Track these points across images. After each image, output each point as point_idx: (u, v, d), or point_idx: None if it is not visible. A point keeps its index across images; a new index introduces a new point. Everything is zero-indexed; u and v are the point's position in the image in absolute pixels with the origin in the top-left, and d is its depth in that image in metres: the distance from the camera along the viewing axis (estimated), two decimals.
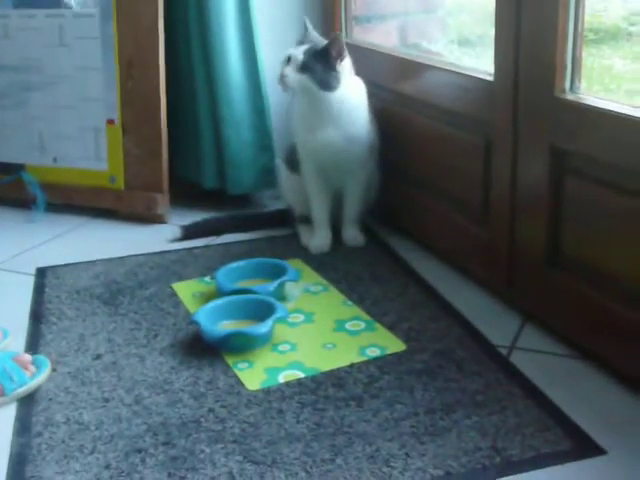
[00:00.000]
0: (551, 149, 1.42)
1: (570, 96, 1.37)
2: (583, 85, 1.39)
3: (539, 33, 1.40)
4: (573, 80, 1.37)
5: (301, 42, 1.83)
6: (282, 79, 1.79)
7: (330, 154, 1.86)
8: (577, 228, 1.41)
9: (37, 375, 1.41)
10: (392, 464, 1.16)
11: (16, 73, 2.31)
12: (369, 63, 1.94)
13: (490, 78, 1.57)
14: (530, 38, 1.42)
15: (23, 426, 1.29)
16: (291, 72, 1.78)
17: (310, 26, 1.85)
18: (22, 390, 1.38)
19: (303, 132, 1.89)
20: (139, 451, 1.21)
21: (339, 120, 1.83)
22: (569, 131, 1.37)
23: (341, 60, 1.79)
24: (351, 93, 1.85)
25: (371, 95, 1.90)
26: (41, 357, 1.46)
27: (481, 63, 1.72)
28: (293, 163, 1.97)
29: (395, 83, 1.94)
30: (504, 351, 1.48)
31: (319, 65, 1.77)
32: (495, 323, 1.58)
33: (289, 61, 1.79)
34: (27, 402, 1.36)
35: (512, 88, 1.48)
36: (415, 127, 1.88)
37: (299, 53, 1.78)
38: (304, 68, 1.77)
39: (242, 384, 1.38)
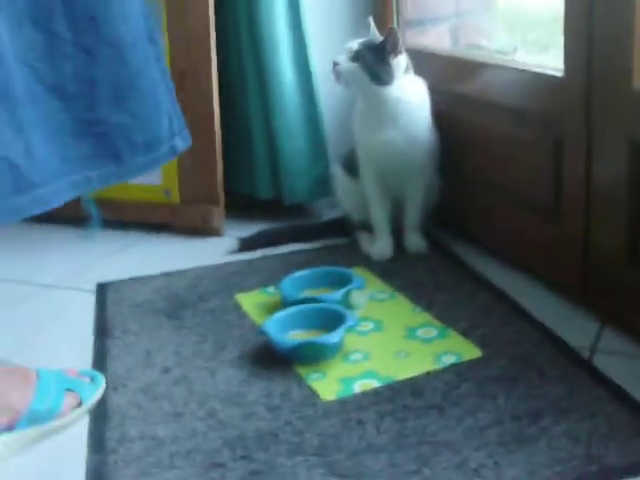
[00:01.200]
0: (630, 143, 1.37)
1: None
2: None
3: (614, 25, 1.35)
4: None
5: (363, 38, 1.81)
6: (334, 67, 1.77)
7: (390, 156, 1.82)
8: None
9: (98, 383, 1.39)
10: (483, 474, 1.11)
11: None
12: (425, 66, 1.90)
13: (559, 74, 1.52)
14: (603, 30, 1.38)
15: (97, 442, 1.26)
16: (343, 60, 1.77)
17: (373, 25, 1.83)
18: (95, 397, 1.36)
19: (363, 133, 1.86)
20: (218, 466, 1.18)
21: (399, 120, 1.80)
22: None
23: (395, 55, 1.76)
24: (410, 93, 1.81)
25: (430, 98, 1.86)
26: (88, 370, 1.45)
27: (545, 60, 1.68)
28: (352, 168, 1.94)
29: (455, 84, 1.90)
30: (586, 354, 1.42)
31: (372, 56, 1.75)
32: (572, 326, 1.52)
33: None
34: (100, 418, 1.33)
35: (584, 83, 1.44)
36: (477, 128, 1.84)
37: (355, 44, 1.78)
38: (356, 57, 1.76)
39: (317, 395, 1.35)
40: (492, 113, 1.77)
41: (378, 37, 1.82)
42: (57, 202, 1.25)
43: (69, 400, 1.33)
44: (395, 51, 1.76)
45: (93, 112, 1.28)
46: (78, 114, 1.26)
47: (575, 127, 1.49)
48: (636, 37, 1.31)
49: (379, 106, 1.80)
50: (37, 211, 1.21)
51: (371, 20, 1.85)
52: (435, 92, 1.87)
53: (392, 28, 1.76)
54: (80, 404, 1.34)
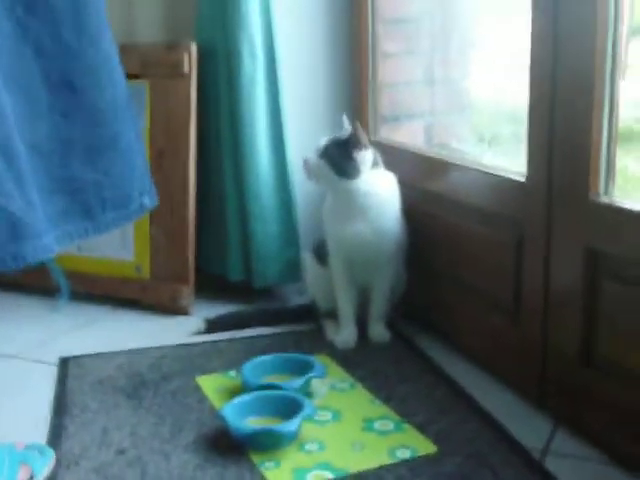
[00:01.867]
0: (585, 250, 1.41)
1: (605, 199, 1.37)
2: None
3: (573, 135, 1.41)
4: (607, 183, 1.38)
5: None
6: (304, 164, 1.84)
7: (358, 247, 1.86)
8: (612, 329, 1.39)
9: (48, 456, 1.39)
10: None
11: None
12: (397, 161, 1.95)
13: (522, 179, 1.58)
14: (564, 140, 1.44)
15: None
16: (312, 157, 1.84)
17: (346, 121, 1.89)
18: (47, 468, 1.36)
19: (332, 224, 1.90)
20: None
21: (367, 213, 1.84)
22: (604, 233, 1.37)
23: (359, 149, 1.82)
24: (378, 186, 1.86)
25: (401, 193, 1.92)
26: (36, 443, 1.44)
27: (513, 164, 1.74)
28: (322, 256, 1.97)
29: (424, 181, 1.95)
30: (537, 455, 1.44)
31: (337, 151, 1.82)
32: (526, 425, 1.54)
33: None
34: None
35: (545, 189, 1.49)
36: (444, 225, 1.89)
37: (323, 140, 1.84)
38: (323, 154, 1.82)
39: None
40: (459, 212, 1.82)
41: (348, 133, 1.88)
42: (50, 253, 1.27)
43: (23, 473, 1.33)
44: (359, 146, 1.82)
45: (67, 169, 1.32)
46: (52, 171, 1.30)
47: (535, 231, 1.54)
48: (592, 150, 1.36)
49: (347, 199, 1.85)
50: (33, 259, 1.23)
51: (345, 117, 1.91)
52: (406, 187, 1.93)
53: (355, 123, 1.83)
54: (32, 478, 1.34)
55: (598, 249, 1.39)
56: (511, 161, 1.81)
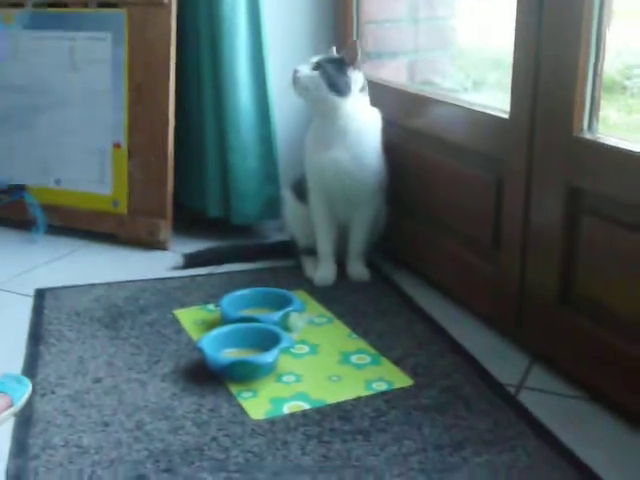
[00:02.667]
0: (567, 188, 1.41)
1: (588, 135, 1.37)
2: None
3: (558, 72, 1.40)
4: (591, 120, 1.37)
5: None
6: (295, 74, 1.81)
7: (338, 176, 1.85)
8: (591, 267, 1.40)
9: (25, 385, 1.39)
10: None
11: (23, 94, 2.29)
12: (379, 98, 1.93)
13: (505, 116, 1.57)
14: (549, 76, 1.42)
15: (20, 447, 1.25)
16: (304, 69, 1.81)
17: (334, 50, 1.88)
18: (26, 397, 1.36)
19: (313, 151, 1.89)
20: (140, 477, 1.18)
21: (349, 139, 1.83)
22: (586, 170, 1.36)
23: (353, 67, 1.81)
24: (362, 112, 1.86)
25: (383, 129, 1.90)
26: (9, 373, 1.44)
27: (494, 101, 1.72)
28: (301, 192, 1.96)
29: (406, 118, 1.94)
30: (512, 390, 1.45)
31: (331, 66, 1.80)
32: (503, 362, 1.55)
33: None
34: (24, 423, 1.32)
35: (528, 126, 1.48)
36: (425, 163, 1.88)
37: (317, 57, 1.84)
38: (317, 67, 1.81)
39: (246, 413, 1.35)
40: (440, 149, 1.81)
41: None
42: None
43: (2, 402, 1.33)
44: (354, 63, 1.81)
45: None
46: None
47: (516, 168, 1.53)
48: (578, 85, 1.35)
49: (331, 120, 1.83)
50: None
51: (334, 49, 1.89)
52: (387, 124, 1.91)
53: (354, 41, 1.81)
54: (11, 405, 1.34)
55: (580, 187, 1.39)
56: (494, 100, 1.79)
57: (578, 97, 1.36)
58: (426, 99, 1.88)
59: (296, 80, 1.81)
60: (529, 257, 1.54)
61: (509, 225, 1.59)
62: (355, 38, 1.84)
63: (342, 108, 1.81)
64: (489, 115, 1.63)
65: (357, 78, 1.83)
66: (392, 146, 1.92)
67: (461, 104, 1.75)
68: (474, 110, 1.68)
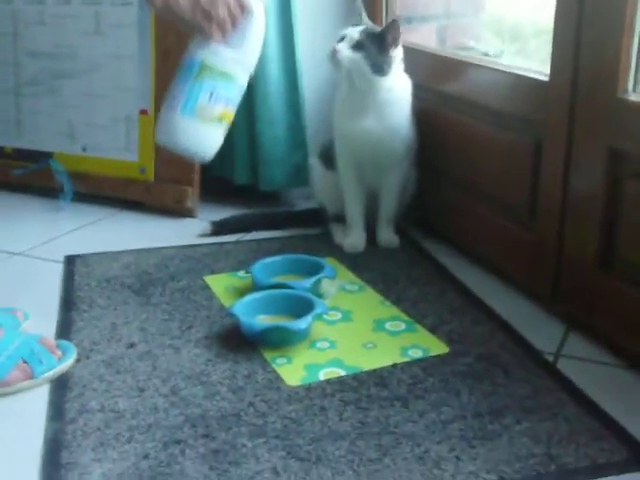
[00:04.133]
0: (609, 151, 1.37)
1: (634, 97, 1.33)
2: None
3: (602, 30, 1.36)
4: (637, 80, 1.33)
5: (356, 25, 1.81)
6: (334, 55, 1.74)
7: (368, 145, 1.82)
8: (633, 231, 1.36)
9: (65, 359, 1.37)
10: (443, 467, 1.11)
11: (50, 60, 2.27)
12: (412, 63, 1.90)
13: (544, 78, 1.53)
14: (592, 36, 1.38)
15: (57, 412, 1.25)
16: (345, 49, 1.74)
17: (365, 15, 1.83)
18: (51, 374, 1.34)
19: (343, 120, 1.85)
20: (178, 442, 1.17)
21: (381, 110, 1.80)
22: (630, 133, 1.33)
23: (395, 46, 1.77)
24: (399, 85, 1.82)
25: (413, 95, 1.87)
26: (65, 342, 1.43)
27: (532, 64, 1.68)
28: (330, 159, 1.93)
29: (438, 83, 1.90)
30: (550, 358, 1.43)
31: (374, 47, 1.74)
32: (539, 329, 1.53)
33: (343, 40, 1.75)
34: (60, 388, 1.31)
35: (570, 88, 1.44)
36: (458, 128, 1.84)
37: (355, 32, 1.76)
38: (359, 47, 1.74)
39: (281, 379, 1.34)
40: (475, 114, 1.77)
41: (372, 26, 1.82)
42: None
43: (18, 372, 1.31)
44: (396, 43, 1.77)
45: None
46: None
47: (556, 132, 1.50)
48: (623, 44, 1.31)
49: (368, 95, 1.79)
50: None
51: (363, 10, 1.85)
52: (419, 89, 1.88)
53: (394, 20, 1.76)
54: (30, 377, 1.32)
55: (623, 149, 1.35)
56: (532, 63, 1.76)
57: (624, 56, 1.32)
58: (460, 63, 1.84)
59: (336, 61, 1.74)
60: (568, 222, 1.51)
61: (547, 190, 1.56)
62: (394, 19, 1.77)
63: (382, 85, 1.78)
64: (528, 78, 1.59)
65: (398, 56, 1.79)
66: (424, 111, 1.89)
67: (496, 67, 1.71)
68: (511, 73, 1.64)
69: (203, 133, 1.40)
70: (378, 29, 1.79)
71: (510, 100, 1.64)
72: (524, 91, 1.60)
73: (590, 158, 1.42)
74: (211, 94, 1.38)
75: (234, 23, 1.39)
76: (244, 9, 1.39)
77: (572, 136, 1.46)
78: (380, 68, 1.75)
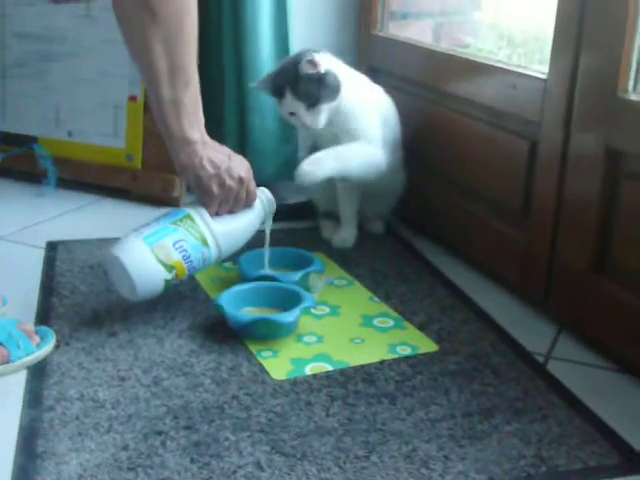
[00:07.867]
0: (607, 151, 1.35)
1: (634, 96, 1.31)
2: None
3: (604, 27, 1.33)
4: (637, 79, 1.31)
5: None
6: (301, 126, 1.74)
7: None
8: (629, 234, 1.34)
9: (43, 345, 1.33)
10: (431, 466, 1.09)
11: (37, 42, 2.23)
12: (406, 58, 1.87)
13: (542, 76, 1.51)
14: (593, 34, 1.36)
15: (34, 399, 1.21)
16: (306, 115, 1.71)
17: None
18: (29, 359, 1.30)
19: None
20: (159, 433, 1.13)
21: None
22: (630, 133, 1.31)
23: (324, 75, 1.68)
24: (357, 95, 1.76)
25: (404, 91, 1.84)
26: (44, 328, 1.39)
27: (529, 62, 1.66)
28: None
29: (431, 79, 1.87)
30: (540, 359, 1.41)
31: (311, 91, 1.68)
32: (530, 330, 1.51)
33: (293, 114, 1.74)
34: (38, 374, 1.27)
35: (568, 87, 1.42)
36: (451, 125, 1.82)
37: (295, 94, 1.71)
38: (307, 98, 1.69)
39: (267, 373, 1.31)
40: (468, 111, 1.74)
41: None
42: None
43: None
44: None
45: None
46: None
47: (552, 132, 1.47)
48: (625, 43, 1.29)
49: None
50: None
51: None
52: (413, 85, 1.85)
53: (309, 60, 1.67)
54: (7, 362, 1.28)
55: (621, 149, 1.33)
56: (529, 61, 1.73)
57: (625, 55, 1.29)
58: (457, 59, 1.81)
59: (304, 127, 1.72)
60: (562, 224, 1.48)
61: (542, 190, 1.53)
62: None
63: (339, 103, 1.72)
64: (524, 75, 1.56)
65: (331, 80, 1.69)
66: (417, 108, 1.86)
67: (493, 64, 1.68)
68: (508, 70, 1.62)
69: (147, 266, 1.39)
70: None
71: (505, 98, 1.61)
72: (520, 89, 1.57)
73: (587, 159, 1.40)
74: (177, 241, 1.41)
75: (236, 206, 1.48)
76: (250, 201, 1.51)
77: (569, 136, 1.43)
78: (324, 98, 1.68)
